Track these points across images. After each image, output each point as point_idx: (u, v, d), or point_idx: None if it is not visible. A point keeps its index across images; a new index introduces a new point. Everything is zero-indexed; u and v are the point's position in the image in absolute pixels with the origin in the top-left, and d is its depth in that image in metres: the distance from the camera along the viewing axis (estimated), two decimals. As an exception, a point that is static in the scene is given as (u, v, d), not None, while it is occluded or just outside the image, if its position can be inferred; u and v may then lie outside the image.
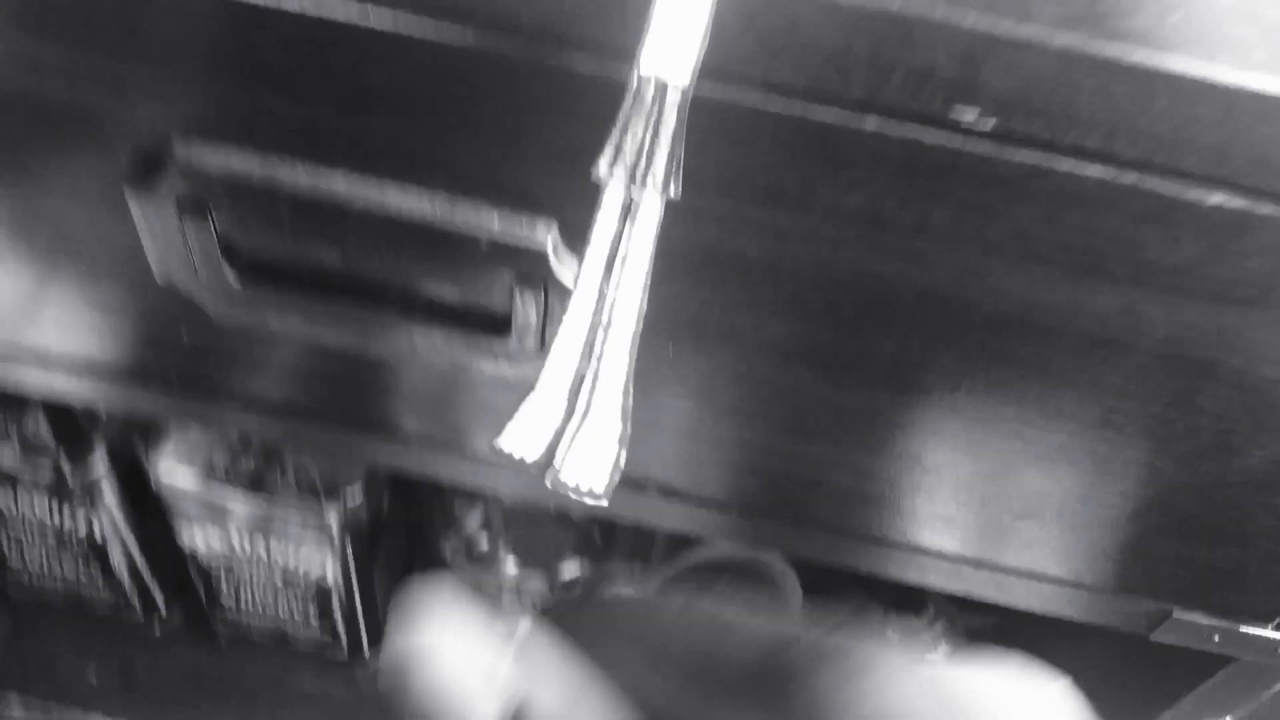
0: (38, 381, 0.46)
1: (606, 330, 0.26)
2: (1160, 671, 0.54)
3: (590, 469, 0.26)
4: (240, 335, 0.41)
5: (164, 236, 0.36)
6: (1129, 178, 0.29)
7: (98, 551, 0.78)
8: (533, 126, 0.31)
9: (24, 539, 0.78)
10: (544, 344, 0.37)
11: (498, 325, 0.37)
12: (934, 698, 0.21)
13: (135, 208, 0.35)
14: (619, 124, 0.25)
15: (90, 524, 0.75)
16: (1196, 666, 0.50)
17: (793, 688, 0.21)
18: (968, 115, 0.28)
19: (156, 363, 0.44)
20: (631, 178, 0.25)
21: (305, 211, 0.34)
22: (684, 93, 0.25)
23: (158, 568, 0.82)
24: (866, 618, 0.65)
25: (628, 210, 0.26)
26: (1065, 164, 0.29)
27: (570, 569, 0.73)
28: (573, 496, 0.26)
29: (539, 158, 0.32)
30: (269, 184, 0.34)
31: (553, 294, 0.35)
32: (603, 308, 0.26)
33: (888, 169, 0.30)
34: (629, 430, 0.26)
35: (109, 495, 0.72)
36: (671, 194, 0.26)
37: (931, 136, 0.29)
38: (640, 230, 0.26)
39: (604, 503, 0.27)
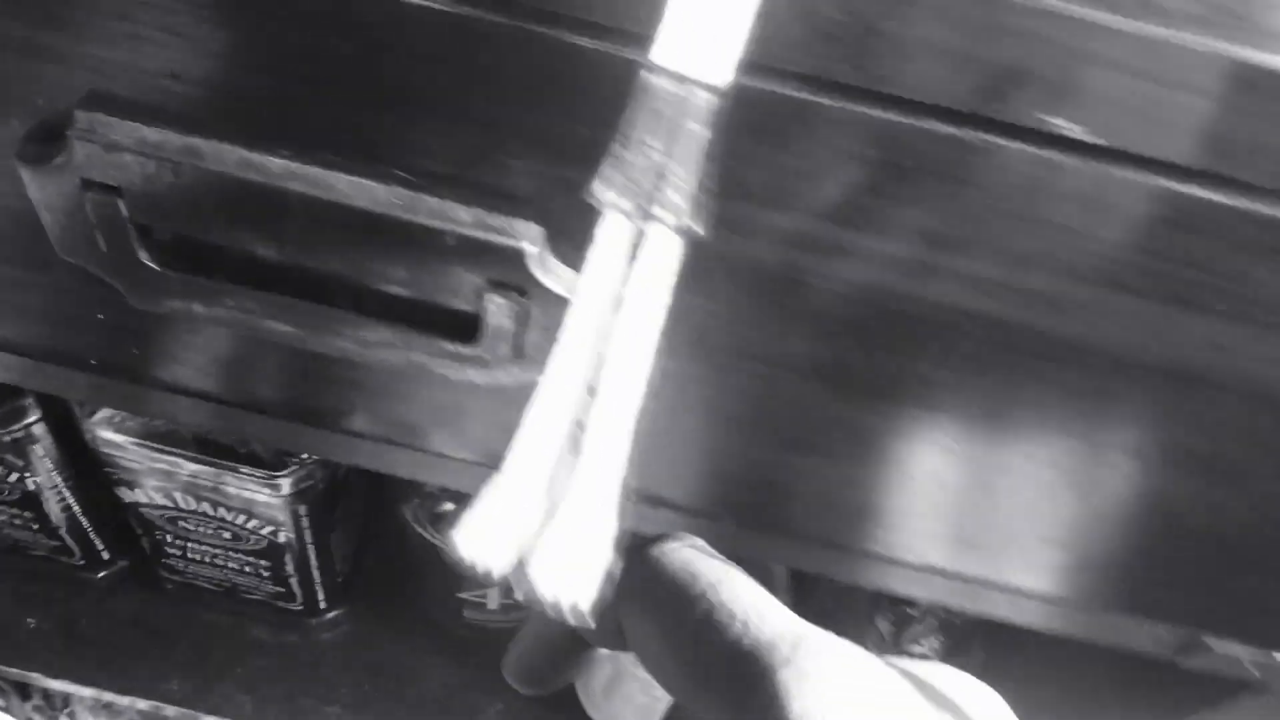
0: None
1: (599, 397, 0.20)
2: (1170, 685, 0.50)
3: (571, 576, 0.20)
4: (166, 319, 0.36)
5: (65, 212, 0.30)
6: (1242, 201, 0.24)
7: (32, 501, 0.73)
8: (516, 109, 0.26)
9: (-48, 486, 0.72)
10: (520, 351, 0.31)
11: (466, 328, 0.31)
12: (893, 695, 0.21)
13: (31, 184, 0.29)
14: (624, 133, 0.19)
15: (23, 475, 0.69)
16: (1211, 683, 0.47)
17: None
18: (1058, 124, 0.22)
19: (75, 344, 0.38)
20: (640, 206, 0.19)
21: (235, 198, 0.28)
22: (718, 96, 0.19)
23: (98, 518, 0.77)
24: (856, 607, 0.61)
25: (634, 244, 0.20)
26: (1167, 183, 0.24)
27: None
28: (549, 611, 0.21)
29: (522, 146, 0.27)
30: (189, 165, 0.28)
31: (534, 300, 0.29)
32: (595, 369, 0.20)
33: (954, 180, 0.24)
34: (624, 529, 0.21)
35: (41, 449, 0.67)
36: (695, 230, 0.20)
37: (1013, 146, 0.23)
38: (649, 273, 0.20)
39: (589, 621, 0.21)
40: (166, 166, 0.28)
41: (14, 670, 0.82)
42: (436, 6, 0.24)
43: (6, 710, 0.87)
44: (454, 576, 0.72)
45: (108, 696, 0.83)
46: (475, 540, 0.20)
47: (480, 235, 0.28)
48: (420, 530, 0.70)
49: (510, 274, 0.29)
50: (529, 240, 0.28)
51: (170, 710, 0.83)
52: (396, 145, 0.27)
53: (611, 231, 0.20)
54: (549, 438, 0.20)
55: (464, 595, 0.75)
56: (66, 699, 0.93)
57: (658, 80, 0.19)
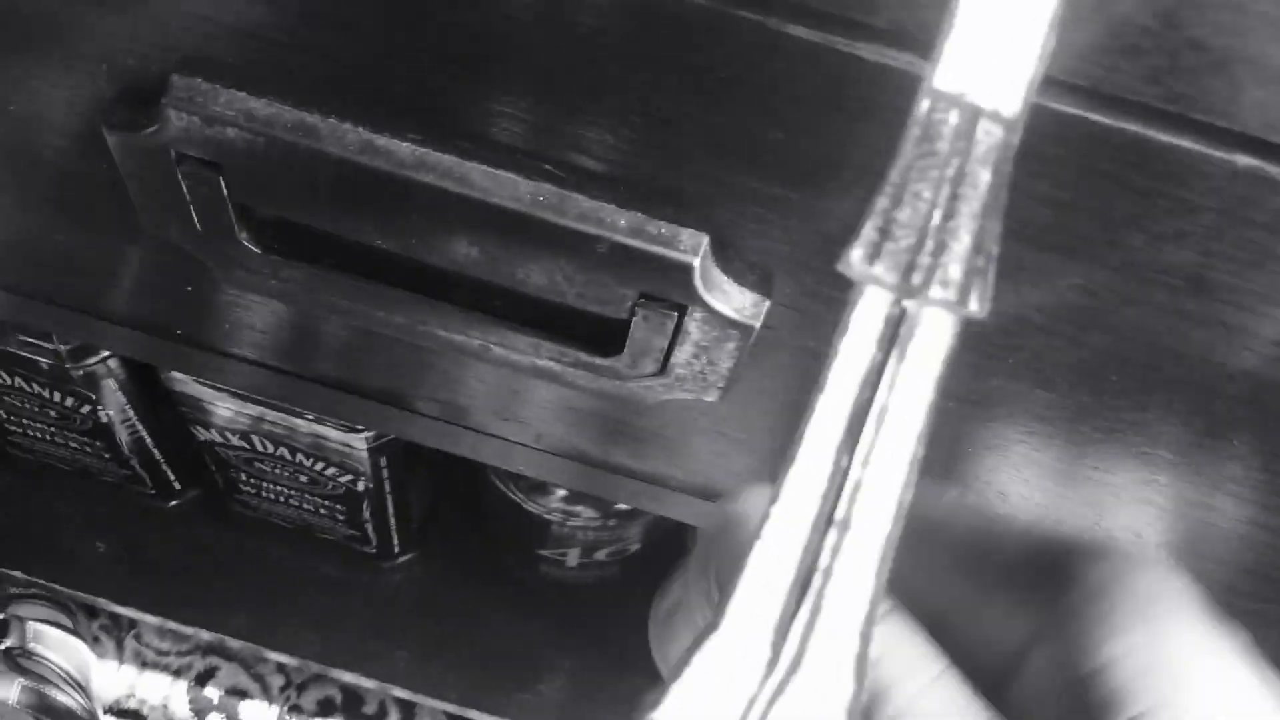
0: (22, 317, 0.37)
1: (842, 531, 0.16)
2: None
3: None
4: (255, 299, 0.32)
5: (156, 186, 0.26)
6: None
7: (104, 432, 0.70)
8: (697, 104, 0.21)
9: (23, 410, 0.70)
10: (665, 367, 0.27)
11: (606, 337, 0.27)
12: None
13: (118, 152, 0.25)
14: (890, 183, 0.15)
15: (95, 408, 0.67)
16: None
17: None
18: None
19: (160, 314, 0.35)
20: (906, 278, 0.15)
21: (353, 184, 0.24)
22: (1009, 128, 0.15)
23: (171, 450, 0.75)
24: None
25: (895, 329, 0.15)
26: None
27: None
28: None
29: (697, 146, 0.22)
30: (302, 144, 0.24)
31: (691, 316, 0.25)
32: (839, 494, 0.15)
33: (1243, 219, 0.19)
34: (863, 694, 0.16)
35: (114, 383, 0.64)
36: (974, 308, 0.15)
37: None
38: (915, 364, 0.15)
39: None
40: (275, 144, 0.24)
41: (82, 594, 0.81)
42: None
43: (74, 630, 0.87)
44: (532, 531, 0.69)
45: (172, 624, 0.82)
46: (684, 711, 0.16)
47: (638, 244, 0.24)
48: (500, 484, 0.67)
49: (669, 288, 0.25)
50: (694, 252, 0.24)
51: (234, 642, 0.81)
52: (548, 137, 0.23)
53: (866, 313, 0.15)
54: (778, 583, 0.16)
55: (542, 551, 0.72)
56: (133, 620, 0.93)
57: (939, 106, 0.14)
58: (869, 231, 0.15)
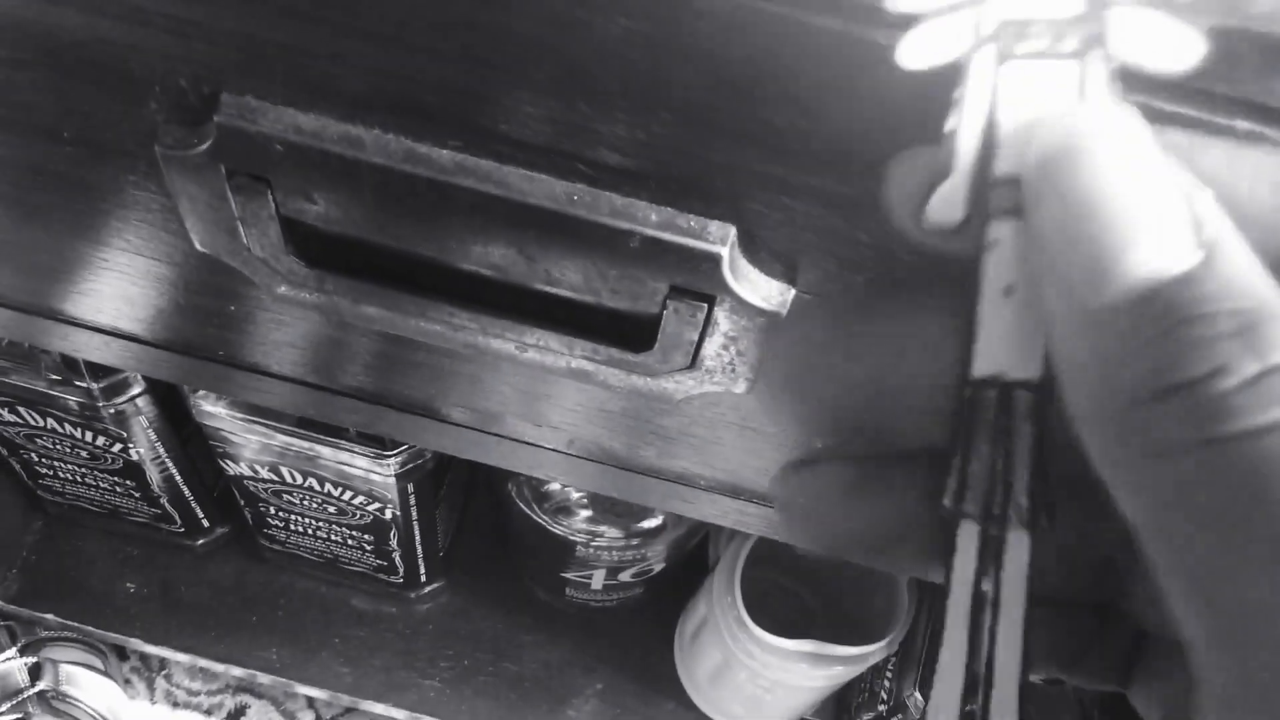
0: (64, 345, 0.38)
1: (988, 690, 0.19)
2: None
3: None
4: (296, 313, 0.33)
5: (206, 203, 0.28)
6: None
7: (134, 471, 0.72)
8: (726, 99, 0.22)
9: (54, 451, 0.72)
10: (695, 360, 0.29)
11: (637, 334, 0.28)
12: None
13: (170, 171, 0.27)
14: (958, 446, 0.19)
15: (126, 446, 0.68)
16: None
17: None
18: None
19: (201, 335, 0.36)
20: (987, 513, 0.19)
21: (398, 192, 0.25)
22: (1037, 392, 0.19)
23: (200, 487, 0.76)
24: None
25: (987, 548, 0.19)
26: None
27: (651, 519, 0.66)
28: None
29: (724, 140, 0.23)
30: (348, 155, 0.25)
31: (721, 307, 0.26)
32: (978, 661, 0.19)
33: None
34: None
35: (145, 420, 0.65)
36: (1040, 525, 0.19)
37: None
38: (1011, 572, 0.19)
39: None
40: (322, 156, 0.25)
41: (113, 635, 0.82)
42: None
43: (104, 671, 0.87)
44: (557, 553, 0.70)
45: (203, 663, 0.83)
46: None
47: (668, 237, 0.25)
48: (524, 507, 0.68)
49: (699, 280, 0.26)
50: (722, 242, 0.25)
51: (265, 678, 0.82)
52: (581, 136, 0.24)
53: (965, 540, 0.19)
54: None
55: (567, 574, 0.73)
56: (163, 660, 0.93)
57: (979, 388, 0.19)
58: (952, 483, 0.19)
